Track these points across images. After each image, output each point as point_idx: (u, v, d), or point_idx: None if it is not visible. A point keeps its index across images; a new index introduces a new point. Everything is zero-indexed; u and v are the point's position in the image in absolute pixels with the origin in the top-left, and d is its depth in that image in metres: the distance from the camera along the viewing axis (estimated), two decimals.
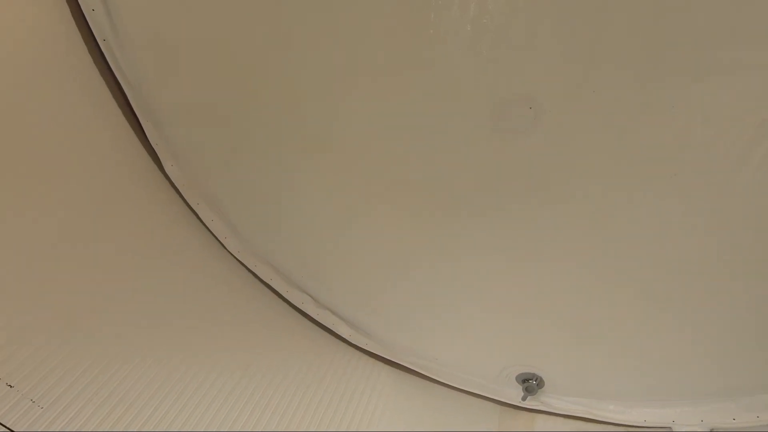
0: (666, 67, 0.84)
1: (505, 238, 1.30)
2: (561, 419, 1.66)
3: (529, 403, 1.67)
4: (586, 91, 0.91)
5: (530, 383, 1.62)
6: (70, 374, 1.12)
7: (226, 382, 1.43)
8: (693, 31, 0.79)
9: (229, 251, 1.64)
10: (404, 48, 0.97)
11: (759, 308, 1.18)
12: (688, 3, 0.77)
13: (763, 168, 0.91)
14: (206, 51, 1.13)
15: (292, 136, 1.26)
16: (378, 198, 1.33)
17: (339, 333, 1.77)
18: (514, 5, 0.84)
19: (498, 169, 1.13)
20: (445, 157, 1.16)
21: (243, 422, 1.40)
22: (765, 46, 0.77)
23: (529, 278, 1.38)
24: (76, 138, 1.23)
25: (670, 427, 1.47)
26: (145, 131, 1.36)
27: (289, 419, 1.51)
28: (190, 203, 1.53)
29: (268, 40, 1.06)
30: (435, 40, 0.93)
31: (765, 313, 1.18)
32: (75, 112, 1.21)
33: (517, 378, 1.67)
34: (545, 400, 1.66)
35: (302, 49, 1.05)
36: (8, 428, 0.93)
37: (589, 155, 1.03)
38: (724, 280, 1.16)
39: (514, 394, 1.69)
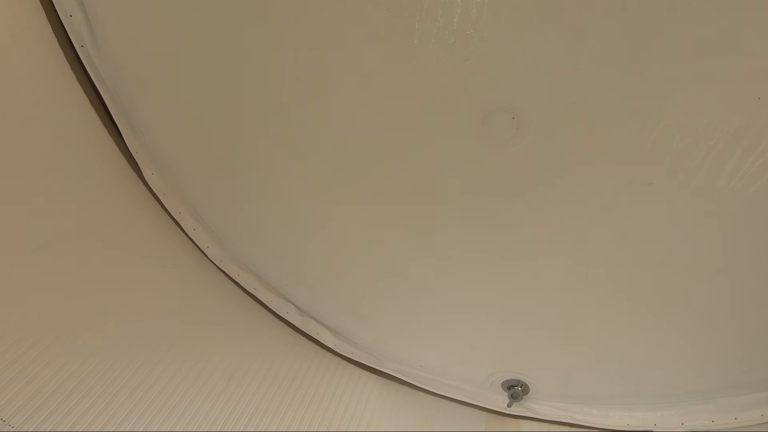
0: (644, 78, 0.86)
1: (490, 245, 1.31)
2: (546, 425, 1.68)
3: (514, 410, 1.67)
4: (566, 101, 0.92)
5: (516, 390, 1.63)
6: (48, 385, 1.08)
7: (209, 392, 1.41)
8: (671, 43, 0.82)
9: (211, 260, 1.62)
10: (390, 57, 0.97)
11: (737, 310, 1.21)
12: (665, 17, 0.79)
13: (736, 174, 0.94)
14: (186, 58, 1.12)
15: (276, 144, 1.25)
16: (362, 206, 1.33)
17: (323, 342, 1.75)
18: (497, 17, 0.85)
19: (483, 177, 1.14)
20: (431, 166, 1.16)
21: (232, 424, 1.38)
22: (738, 57, 0.80)
23: (513, 285, 1.39)
24: (53, 146, 1.20)
25: (651, 430, 1.50)
26: (125, 139, 1.33)
27: (276, 426, 1.48)
28: (171, 212, 1.50)
29: (250, 47, 1.05)
30: (420, 49, 0.93)
31: (743, 315, 1.21)
32: (52, 119, 1.18)
33: (502, 384, 1.67)
34: (530, 406, 1.67)
35: (285, 57, 1.04)
36: None
37: (571, 163, 1.05)
38: (704, 283, 1.19)
39: (500, 400, 1.70)
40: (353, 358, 1.77)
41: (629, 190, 1.05)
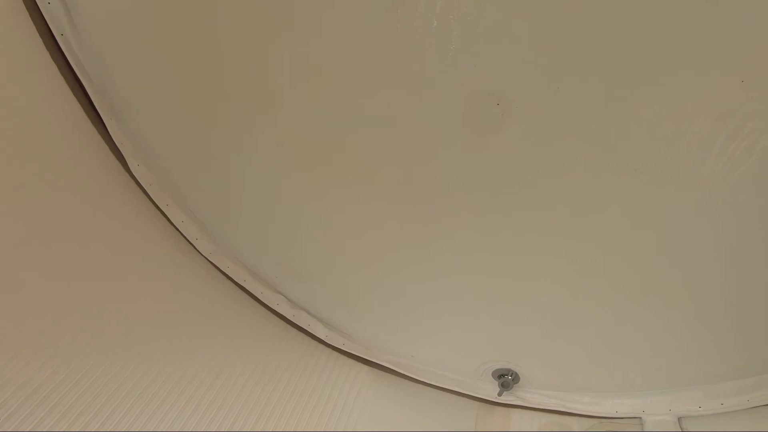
0: (630, 65, 0.86)
1: (480, 234, 1.30)
2: (537, 413, 1.69)
3: (505, 399, 1.68)
4: (552, 87, 0.92)
5: (506, 378, 1.64)
6: (32, 380, 1.07)
7: (199, 384, 1.40)
8: (657, 30, 0.81)
9: (200, 253, 1.60)
10: (373, 45, 0.96)
11: (726, 298, 1.22)
12: (652, 2, 0.78)
13: (722, 160, 0.94)
14: (171, 47, 1.10)
15: (264, 135, 1.23)
16: (352, 196, 1.32)
17: (315, 333, 1.75)
18: (480, 1, 0.84)
19: (471, 166, 1.13)
20: (419, 154, 1.15)
21: (218, 424, 1.37)
22: (721, 41, 0.80)
23: (505, 275, 1.39)
24: (34, 137, 1.18)
25: (640, 417, 1.51)
26: (109, 129, 1.31)
27: (266, 420, 1.48)
28: (158, 204, 1.49)
29: (234, 36, 1.03)
30: (403, 36, 0.92)
31: (731, 302, 1.22)
32: (32, 109, 1.16)
33: (493, 374, 1.68)
34: (521, 394, 1.68)
35: (270, 45, 1.03)
36: None
37: (559, 151, 1.04)
38: (694, 272, 1.19)
39: (490, 389, 1.71)
40: (345, 350, 1.77)
41: (618, 177, 1.05)
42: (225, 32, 1.04)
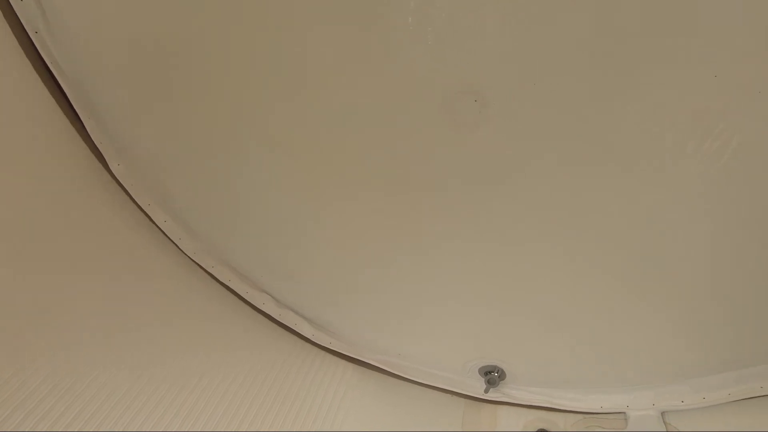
0: (606, 61, 0.86)
1: (464, 231, 1.30)
2: (523, 409, 1.70)
3: (491, 395, 1.69)
4: (527, 83, 0.91)
5: (492, 375, 1.64)
6: (8, 384, 1.05)
7: (184, 385, 1.39)
8: (631, 23, 0.81)
9: (184, 253, 1.59)
10: (350, 42, 0.95)
11: (708, 294, 1.22)
12: None
13: (698, 157, 0.95)
14: (150, 44, 1.09)
15: (246, 133, 1.22)
16: (336, 194, 1.31)
17: (302, 332, 1.74)
18: None
19: (453, 162, 1.13)
20: (401, 152, 1.15)
21: (203, 424, 1.36)
22: (695, 35, 0.80)
23: (490, 273, 1.39)
24: (10, 137, 1.16)
25: (624, 412, 1.52)
26: (87, 129, 1.30)
27: (251, 420, 1.48)
28: (140, 204, 1.47)
29: (211, 33, 1.02)
30: (380, 33, 0.92)
31: (712, 298, 1.23)
32: (7, 109, 1.14)
33: (479, 371, 1.69)
34: (507, 391, 1.69)
35: (251, 43, 1.02)
36: None
37: (540, 147, 1.04)
38: (677, 269, 1.20)
39: (477, 386, 1.71)
40: (332, 348, 1.77)
41: (598, 174, 1.05)
42: (203, 26, 1.02)
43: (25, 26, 1.11)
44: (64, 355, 1.17)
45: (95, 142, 1.32)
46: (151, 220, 1.51)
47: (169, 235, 1.55)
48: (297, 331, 1.75)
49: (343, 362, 1.77)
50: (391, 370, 1.76)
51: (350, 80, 1.02)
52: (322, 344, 1.76)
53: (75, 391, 1.15)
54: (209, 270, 1.64)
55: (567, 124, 0.97)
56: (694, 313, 1.28)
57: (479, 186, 1.17)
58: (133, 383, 1.25)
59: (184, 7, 1.00)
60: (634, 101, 0.90)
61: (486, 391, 1.65)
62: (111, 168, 1.38)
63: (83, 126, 1.30)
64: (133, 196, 1.46)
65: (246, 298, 1.69)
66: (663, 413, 1.45)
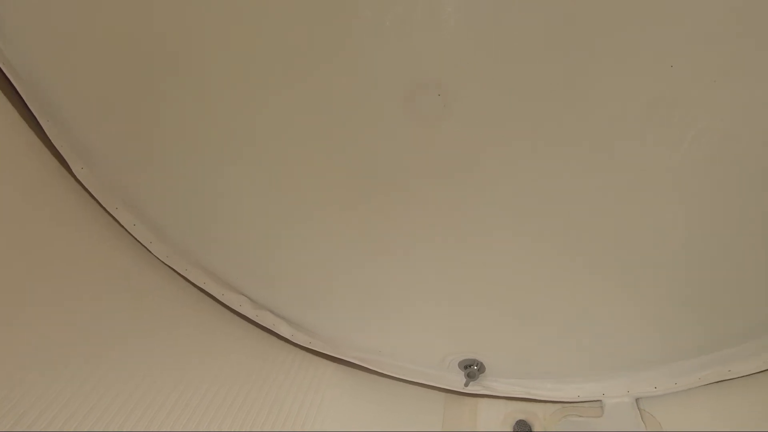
0: (560, 51, 0.86)
1: (435, 226, 1.30)
2: (503, 401, 1.71)
3: (471, 389, 1.70)
4: (490, 75, 0.91)
5: (471, 369, 1.65)
6: None
7: (160, 389, 1.37)
8: (586, 14, 0.81)
9: (156, 256, 1.56)
10: (310, 38, 0.94)
11: (676, 280, 1.24)
12: None
13: (657, 147, 0.96)
14: (106, 40, 1.05)
15: (211, 133, 1.20)
16: (307, 193, 1.30)
17: (280, 333, 1.73)
18: None
19: (420, 157, 1.12)
20: (368, 149, 1.14)
21: (182, 425, 1.34)
22: (650, 24, 0.80)
23: (462, 266, 1.39)
24: None
25: (600, 400, 1.54)
26: (47, 132, 1.26)
27: (231, 422, 1.46)
28: (107, 208, 1.44)
29: (171, 28, 0.99)
30: (340, 27, 0.90)
31: (681, 284, 1.25)
32: None
33: (459, 365, 1.70)
34: (487, 384, 1.70)
35: (212, 39, 0.99)
36: None
37: (504, 139, 1.04)
38: (643, 256, 1.21)
39: (457, 380, 1.72)
40: (311, 348, 1.76)
41: (560, 164, 1.05)
42: (164, 25, 0.99)
43: None
44: (36, 358, 1.14)
45: (56, 146, 1.28)
46: (119, 223, 1.48)
47: (138, 239, 1.52)
48: (275, 331, 1.73)
49: (323, 361, 1.77)
50: (372, 368, 1.76)
51: (315, 79, 1.00)
52: (302, 344, 1.75)
53: (51, 393, 1.12)
54: (183, 273, 1.61)
55: (530, 116, 0.97)
56: (665, 300, 1.30)
57: (446, 180, 1.16)
58: (104, 391, 1.22)
59: (145, 4, 0.97)
60: (595, 92, 0.90)
61: (466, 384, 1.66)
62: (74, 172, 1.34)
63: (42, 130, 1.26)
64: (100, 200, 1.42)
65: (222, 300, 1.67)
66: (637, 399, 1.48)
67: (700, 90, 0.84)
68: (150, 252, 1.55)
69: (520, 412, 1.65)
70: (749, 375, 1.29)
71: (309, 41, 0.94)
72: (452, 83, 0.94)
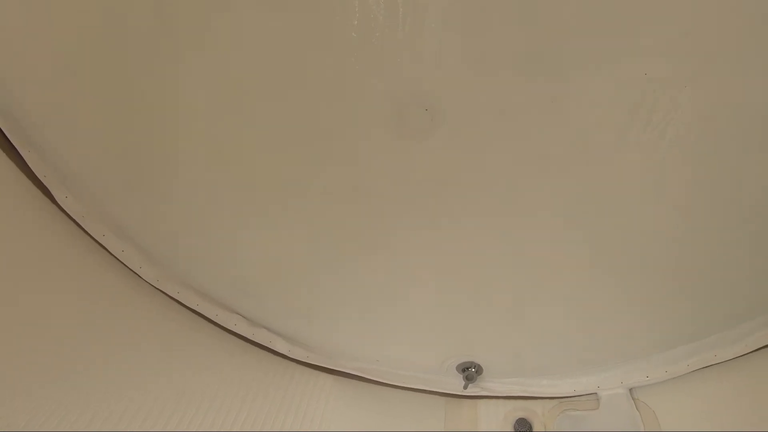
0: (541, 63, 0.89)
1: (425, 236, 1.32)
2: (502, 401, 1.74)
3: (470, 391, 1.72)
4: (475, 90, 0.94)
5: (470, 371, 1.68)
6: None
7: (161, 412, 1.35)
8: (563, 29, 0.84)
9: (146, 281, 1.54)
10: (295, 58, 0.95)
11: (663, 271, 1.29)
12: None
13: (638, 149, 1.00)
14: (82, 65, 1.03)
15: (196, 154, 1.19)
16: (299, 209, 1.30)
17: (277, 349, 1.72)
18: (395, 10, 0.84)
19: (409, 171, 1.14)
20: (361, 165, 1.15)
21: None
22: (624, 36, 0.84)
23: (454, 271, 1.41)
24: None
25: (596, 393, 1.59)
26: (27, 162, 1.23)
27: None
28: (94, 236, 1.41)
29: (151, 49, 0.98)
30: (324, 49, 0.92)
31: (668, 275, 1.30)
32: None
33: (457, 368, 1.72)
34: (485, 385, 1.73)
35: (191, 59, 0.99)
36: None
37: (489, 150, 1.07)
38: (628, 251, 1.26)
39: (456, 383, 1.74)
40: (309, 362, 1.75)
41: (546, 169, 1.09)
42: (136, 45, 0.98)
43: None
44: (28, 394, 1.12)
45: (38, 176, 1.26)
46: (107, 250, 1.45)
47: (128, 265, 1.49)
48: (272, 348, 1.72)
49: (322, 374, 1.76)
50: (371, 377, 1.77)
51: (300, 99, 1.01)
52: (299, 359, 1.75)
53: (54, 420, 1.10)
54: (174, 296, 1.59)
55: (517, 126, 1.00)
56: (651, 294, 1.35)
57: (434, 195, 1.19)
58: (108, 414, 1.20)
59: (111, 24, 0.95)
60: (577, 100, 0.94)
61: (465, 387, 1.68)
62: (58, 201, 1.31)
63: (23, 159, 1.23)
64: (86, 229, 1.39)
65: (216, 320, 1.65)
66: (631, 390, 1.53)
67: (674, 94, 0.89)
68: (140, 277, 1.53)
69: (520, 410, 1.68)
70: (734, 359, 1.35)
71: (297, 61, 0.95)
72: (438, 100, 0.96)
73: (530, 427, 1.62)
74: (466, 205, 1.22)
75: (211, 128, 1.13)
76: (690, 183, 1.06)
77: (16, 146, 1.20)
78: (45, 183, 1.27)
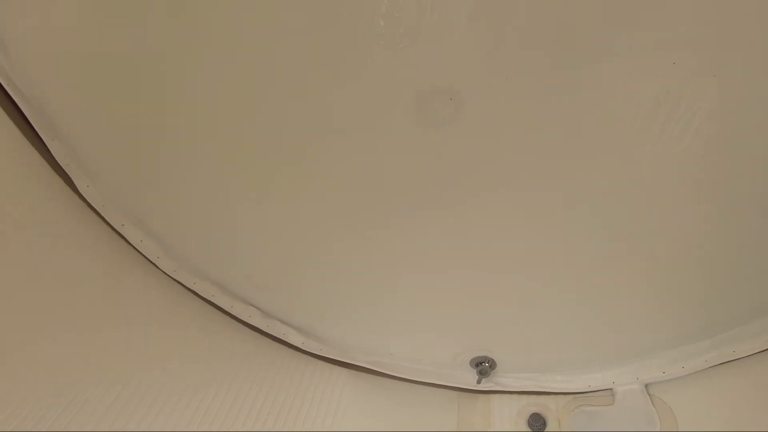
0: (568, 53, 0.89)
1: (443, 228, 1.32)
2: (515, 396, 1.73)
3: (484, 386, 1.72)
4: (499, 79, 0.94)
5: (483, 366, 1.67)
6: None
7: (178, 402, 1.36)
8: (589, 19, 0.85)
9: (163, 271, 1.55)
10: (321, 48, 0.95)
11: (680, 269, 1.29)
12: None
13: (662, 140, 1.00)
14: (109, 58, 1.05)
15: (215, 146, 1.20)
16: (315, 200, 1.31)
17: (291, 342, 1.72)
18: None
19: (427, 161, 1.15)
20: (378, 155, 1.16)
21: None
22: (651, 27, 0.84)
23: (471, 265, 1.42)
24: None
25: (611, 389, 1.58)
26: (51, 151, 1.24)
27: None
28: (113, 225, 1.42)
29: (178, 43, 1.00)
30: (351, 38, 0.92)
31: (685, 272, 1.29)
32: None
33: (470, 363, 1.72)
34: (499, 380, 1.73)
35: (214, 54, 1.00)
36: None
37: (512, 140, 1.07)
38: (648, 246, 1.25)
39: (469, 378, 1.74)
40: (323, 355, 1.76)
41: (571, 162, 1.09)
42: (166, 41, 1.00)
43: None
44: (46, 377, 1.13)
45: (62, 165, 1.27)
46: (126, 240, 1.47)
47: (146, 255, 1.50)
48: (286, 340, 1.73)
49: (336, 368, 1.77)
50: (384, 371, 1.77)
51: (324, 88, 1.02)
52: (313, 351, 1.75)
53: (73, 409, 1.11)
54: (191, 287, 1.60)
55: (540, 116, 1.00)
56: (668, 287, 1.35)
57: (452, 185, 1.19)
58: (123, 404, 1.22)
59: (146, 21, 0.97)
60: (603, 89, 0.94)
61: (478, 382, 1.68)
62: (80, 190, 1.33)
63: (46, 148, 1.24)
64: (106, 218, 1.41)
65: (231, 312, 1.66)
66: (647, 385, 1.52)
67: (702, 85, 0.88)
68: (158, 267, 1.54)
69: (533, 405, 1.68)
70: (753, 354, 1.34)
71: (321, 50, 0.96)
72: (464, 88, 0.97)
73: (544, 422, 1.62)
74: (484, 196, 1.22)
75: (231, 123, 1.14)
76: (712, 175, 1.06)
77: (41, 135, 1.22)
78: (68, 172, 1.29)
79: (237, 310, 1.66)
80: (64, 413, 1.12)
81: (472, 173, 1.16)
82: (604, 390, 1.60)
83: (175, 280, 1.57)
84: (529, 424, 1.64)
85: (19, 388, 1.06)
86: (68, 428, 1.11)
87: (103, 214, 1.39)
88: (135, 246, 1.48)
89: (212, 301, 1.63)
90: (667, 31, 0.84)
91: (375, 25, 0.88)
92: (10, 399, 1.04)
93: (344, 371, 1.78)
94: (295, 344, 1.73)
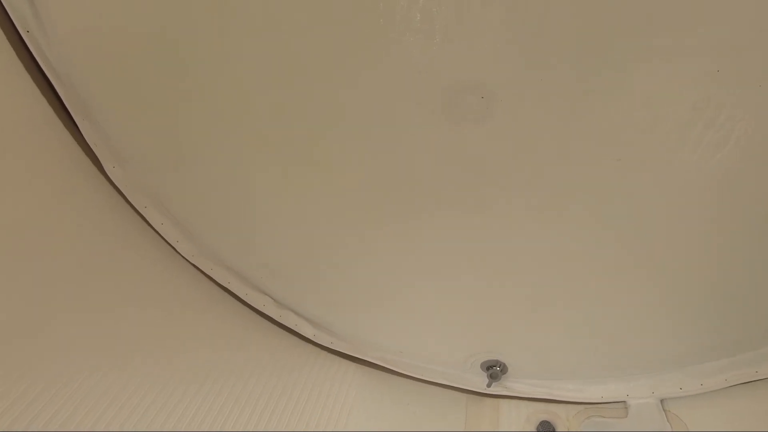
0: (604, 55, 0.87)
1: (464, 228, 1.31)
2: (525, 402, 1.71)
3: (494, 390, 1.70)
4: (533, 79, 0.92)
5: (494, 370, 1.66)
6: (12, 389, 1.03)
7: (187, 388, 1.37)
8: (626, 20, 0.82)
9: (182, 255, 1.57)
10: (354, 39, 0.95)
11: (703, 281, 1.25)
12: None
13: (698, 149, 0.97)
14: (142, 42, 1.06)
15: (242, 133, 1.21)
16: (333, 194, 1.30)
17: (303, 333, 1.73)
18: None
19: (453, 159, 1.13)
20: (401, 150, 1.15)
21: (209, 424, 1.36)
22: (692, 32, 0.82)
23: (488, 267, 1.40)
24: (2, 140, 1.13)
25: (625, 401, 1.55)
26: (81, 130, 1.26)
27: (255, 421, 1.47)
28: (136, 207, 1.44)
29: (208, 29, 1.00)
30: (385, 31, 0.91)
31: (709, 285, 1.26)
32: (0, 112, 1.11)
33: (481, 366, 1.70)
34: (509, 385, 1.71)
35: (245, 40, 1.00)
36: None
37: (540, 142, 1.05)
38: (672, 257, 1.22)
39: (479, 381, 1.73)
40: (333, 348, 1.76)
41: (599, 166, 1.07)
42: (197, 28, 1.00)
43: (17, 25, 1.08)
44: (67, 356, 1.15)
45: (90, 145, 1.29)
46: (147, 222, 1.49)
47: (166, 238, 1.52)
48: (298, 331, 1.74)
49: (345, 362, 1.77)
50: (393, 368, 1.77)
51: (355, 80, 1.01)
52: (324, 344, 1.76)
53: (83, 390, 1.13)
54: (208, 273, 1.61)
55: (572, 121, 0.98)
56: (690, 301, 1.32)
57: (476, 185, 1.17)
58: (137, 386, 1.23)
59: (179, 6, 0.98)
60: (630, 94, 0.92)
61: (488, 385, 1.67)
62: (106, 170, 1.35)
63: (77, 128, 1.27)
64: (129, 199, 1.43)
65: (246, 300, 1.67)
66: (662, 400, 1.49)
67: (746, 94, 0.85)
68: (176, 251, 1.56)
69: (543, 412, 1.66)
70: None
71: (352, 44, 0.95)
72: (496, 87, 0.95)
73: (554, 430, 1.60)
74: (505, 198, 1.20)
75: (262, 112, 1.14)
76: (746, 187, 1.02)
77: (72, 114, 1.24)
78: (96, 152, 1.31)
79: (252, 298, 1.68)
80: (78, 390, 1.14)
81: (496, 175, 1.14)
82: (617, 402, 1.57)
83: (193, 264, 1.59)
84: (539, 430, 1.62)
85: (36, 367, 1.09)
86: (83, 404, 1.13)
87: (126, 195, 1.41)
88: (156, 229, 1.50)
89: (228, 288, 1.65)
90: (714, 37, 0.81)
91: (411, 18, 0.87)
92: (25, 377, 1.06)
93: (353, 366, 1.78)
94: (307, 335, 1.74)
